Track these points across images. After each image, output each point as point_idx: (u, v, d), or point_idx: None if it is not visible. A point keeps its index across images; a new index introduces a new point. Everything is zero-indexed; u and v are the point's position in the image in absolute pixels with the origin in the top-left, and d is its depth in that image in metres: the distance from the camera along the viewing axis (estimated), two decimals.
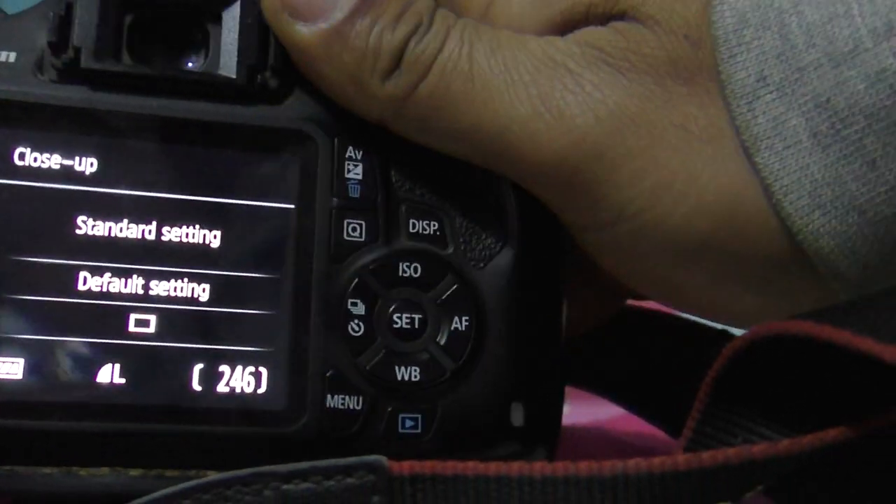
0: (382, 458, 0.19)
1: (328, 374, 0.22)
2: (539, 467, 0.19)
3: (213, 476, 0.19)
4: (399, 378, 0.23)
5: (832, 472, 0.19)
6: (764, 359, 0.19)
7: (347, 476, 0.19)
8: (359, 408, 0.22)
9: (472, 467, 0.19)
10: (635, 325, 0.35)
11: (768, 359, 0.19)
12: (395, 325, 0.23)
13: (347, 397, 0.22)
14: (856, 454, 0.19)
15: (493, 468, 0.19)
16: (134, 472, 0.21)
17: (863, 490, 0.20)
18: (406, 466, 0.19)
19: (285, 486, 0.19)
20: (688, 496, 0.18)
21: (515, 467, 0.19)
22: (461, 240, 0.24)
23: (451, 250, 0.24)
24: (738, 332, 0.26)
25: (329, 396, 0.22)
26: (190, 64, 0.24)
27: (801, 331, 0.18)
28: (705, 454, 0.18)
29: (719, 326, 0.32)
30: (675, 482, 0.18)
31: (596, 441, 0.39)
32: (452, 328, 0.23)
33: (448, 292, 0.24)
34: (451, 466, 0.19)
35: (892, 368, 0.16)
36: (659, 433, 0.35)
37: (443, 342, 0.23)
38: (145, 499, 0.19)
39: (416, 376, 0.23)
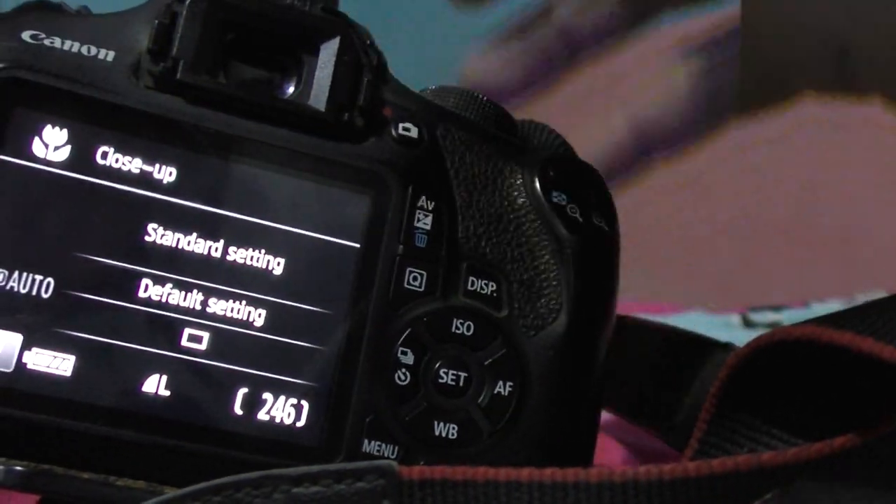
0: (393, 463, 0.19)
1: (368, 419, 0.22)
2: (550, 473, 0.19)
3: (223, 479, 0.19)
4: (436, 433, 0.23)
5: (839, 479, 0.19)
6: (769, 367, 0.20)
7: (357, 480, 0.19)
8: (393, 456, 0.22)
9: (482, 472, 0.19)
10: (630, 336, 0.36)
11: (773, 367, 0.20)
12: (440, 380, 0.23)
13: (384, 444, 0.23)
14: (863, 460, 0.19)
15: (503, 473, 0.19)
16: (168, 490, 0.21)
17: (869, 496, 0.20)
18: (416, 471, 0.19)
19: (295, 489, 0.19)
20: (697, 503, 0.18)
21: (526, 473, 0.19)
22: (516, 305, 0.24)
23: (504, 314, 0.24)
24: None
25: (366, 441, 0.22)
26: (281, 90, 0.24)
27: (803, 335, 0.18)
28: (715, 461, 0.18)
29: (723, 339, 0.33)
30: (685, 489, 0.18)
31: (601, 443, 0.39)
32: (495, 392, 0.23)
33: (496, 356, 0.24)
34: (461, 471, 0.19)
35: (892, 368, 0.16)
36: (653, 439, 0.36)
37: (484, 404, 0.23)
38: (156, 500, 0.19)
39: (453, 434, 0.23)
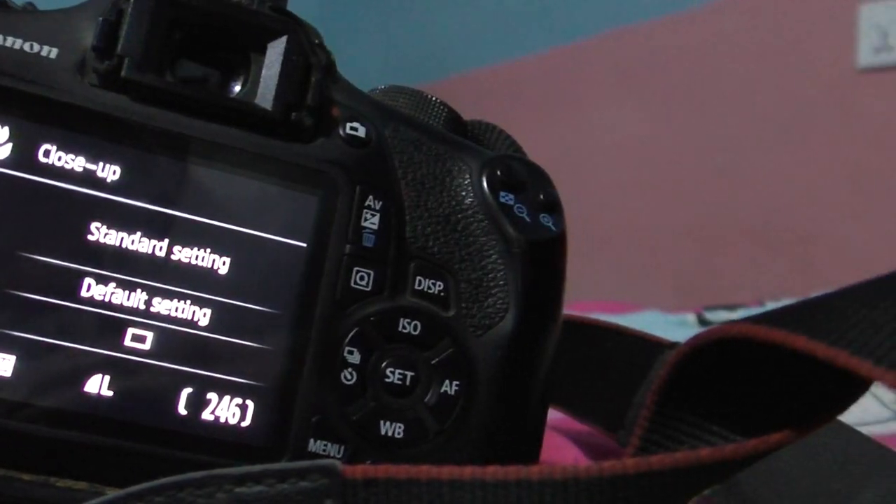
0: (336, 462, 0.19)
1: (315, 419, 0.22)
2: (492, 471, 0.19)
3: (165, 479, 0.19)
4: (382, 433, 0.23)
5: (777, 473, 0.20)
6: (709, 365, 0.20)
7: (301, 479, 0.19)
8: (339, 456, 0.22)
9: (425, 471, 0.19)
10: (582, 336, 0.36)
11: (713, 365, 0.20)
12: (386, 380, 0.23)
13: (330, 444, 0.23)
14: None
15: (446, 472, 0.19)
16: (110, 491, 0.21)
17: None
18: (359, 470, 0.19)
19: (238, 489, 0.19)
20: (637, 499, 0.19)
21: (468, 471, 0.19)
22: (464, 304, 0.24)
23: (452, 313, 0.24)
24: None
25: (312, 440, 0.22)
26: (229, 89, 0.24)
27: (740, 332, 0.18)
28: (654, 458, 0.19)
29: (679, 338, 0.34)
30: (624, 485, 0.19)
31: (554, 441, 0.39)
32: (442, 391, 0.24)
33: (443, 355, 0.24)
34: (404, 470, 0.19)
35: (825, 365, 0.17)
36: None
37: (431, 403, 0.23)
38: (98, 500, 0.19)
39: (399, 433, 0.23)
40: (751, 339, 0.18)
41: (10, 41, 0.22)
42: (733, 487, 0.30)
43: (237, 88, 0.24)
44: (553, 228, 0.25)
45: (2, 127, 0.22)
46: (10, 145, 0.22)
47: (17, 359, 0.21)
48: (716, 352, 0.20)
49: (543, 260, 0.25)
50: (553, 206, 0.26)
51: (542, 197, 0.25)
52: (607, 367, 0.37)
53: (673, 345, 0.33)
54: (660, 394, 0.21)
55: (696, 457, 0.19)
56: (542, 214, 0.25)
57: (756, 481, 0.30)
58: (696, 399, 0.21)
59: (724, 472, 0.19)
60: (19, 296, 0.21)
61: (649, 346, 0.34)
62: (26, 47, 0.22)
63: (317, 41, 0.24)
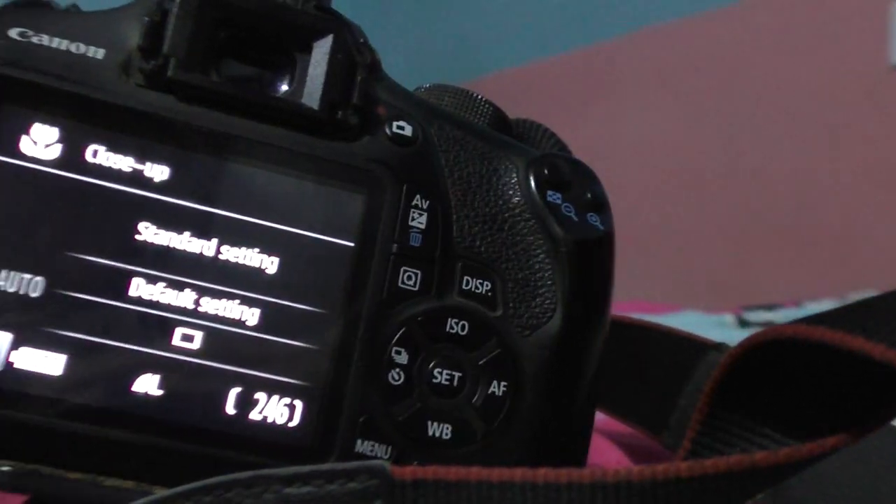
0: (385, 463, 0.19)
1: (361, 419, 0.22)
2: (543, 473, 0.19)
3: (213, 478, 0.19)
4: (430, 434, 0.23)
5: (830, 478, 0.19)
6: (761, 367, 0.20)
7: (349, 480, 0.19)
8: (386, 457, 0.22)
9: (475, 473, 0.19)
10: (625, 336, 0.36)
11: (766, 367, 0.20)
12: (434, 380, 0.23)
13: (377, 445, 0.22)
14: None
15: (496, 473, 0.19)
16: (157, 490, 0.21)
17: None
18: (408, 472, 0.19)
19: (286, 490, 0.19)
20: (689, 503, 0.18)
21: (519, 473, 0.19)
22: (511, 304, 0.24)
23: (499, 313, 0.24)
24: None
25: (359, 441, 0.22)
26: (274, 88, 0.24)
27: (795, 333, 0.18)
28: (708, 462, 0.18)
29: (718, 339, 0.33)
30: (677, 489, 0.18)
31: (596, 443, 0.39)
32: (490, 392, 0.23)
33: (490, 355, 0.24)
34: (453, 472, 0.19)
35: (883, 367, 0.16)
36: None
37: (478, 404, 0.23)
38: (146, 500, 0.19)
39: (447, 434, 0.23)
40: (806, 340, 0.18)
41: (56, 42, 0.22)
42: (781, 491, 0.30)
43: (283, 88, 0.24)
44: (600, 227, 0.25)
45: (51, 128, 0.22)
46: (59, 146, 0.22)
47: (67, 358, 0.21)
48: (769, 353, 0.19)
49: (591, 259, 0.25)
50: (600, 205, 0.25)
51: (589, 196, 0.25)
52: (649, 367, 0.36)
53: (717, 346, 0.33)
54: (711, 396, 0.20)
55: (750, 461, 0.18)
56: (589, 213, 0.25)
57: (804, 485, 0.30)
58: (749, 402, 0.20)
59: (778, 476, 0.19)
60: (69, 295, 0.21)
61: (693, 347, 0.34)
62: (73, 48, 0.22)
63: (362, 40, 0.24)
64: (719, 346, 0.33)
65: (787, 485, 0.29)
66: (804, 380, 0.20)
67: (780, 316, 0.67)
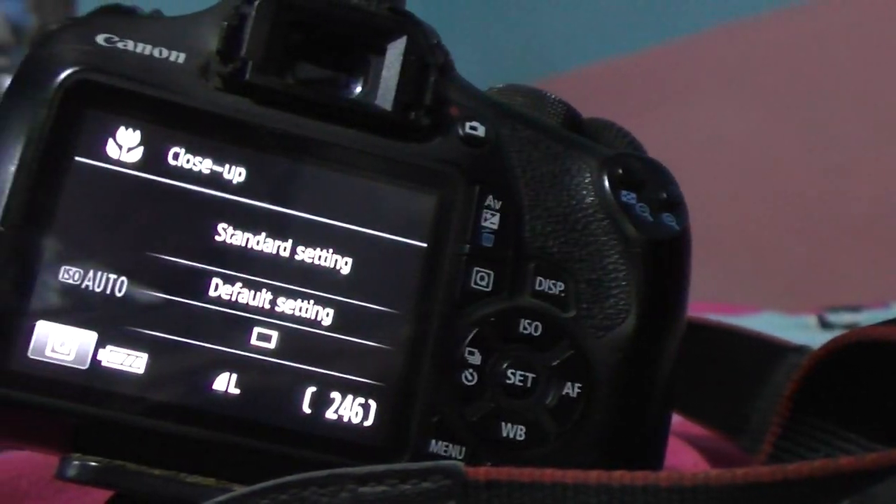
0: (459, 463, 0.19)
1: (435, 419, 0.22)
2: (619, 476, 0.18)
3: (290, 477, 0.19)
4: (504, 434, 0.23)
5: None
6: (846, 369, 0.19)
7: (423, 480, 0.19)
8: (459, 457, 0.22)
9: (549, 474, 0.19)
10: (703, 338, 0.35)
11: (851, 369, 0.19)
12: (507, 381, 0.23)
13: (450, 445, 0.22)
14: None
15: (570, 475, 0.19)
16: (237, 487, 0.21)
17: None
18: (482, 472, 0.19)
19: (361, 489, 0.19)
20: None
21: (594, 475, 0.18)
22: (584, 305, 0.24)
23: (572, 314, 0.24)
24: None
25: (433, 441, 0.22)
26: (348, 90, 0.24)
27: (883, 336, 0.17)
28: (791, 466, 0.18)
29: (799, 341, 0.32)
30: (759, 494, 0.18)
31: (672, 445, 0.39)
32: (563, 393, 0.23)
33: (563, 357, 0.23)
34: (528, 473, 0.19)
35: None
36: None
37: (551, 406, 0.23)
38: (223, 497, 0.20)
39: (520, 436, 0.23)
40: (893, 342, 0.17)
41: (140, 47, 0.23)
42: (867, 499, 0.29)
43: (356, 90, 0.24)
44: (675, 227, 0.25)
45: (134, 131, 0.22)
46: (141, 149, 0.22)
47: (148, 356, 0.22)
48: (853, 356, 0.19)
49: (665, 260, 0.24)
50: (675, 205, 0.25)
51: (664, 195, 0.25)
52: (726, 369, 0.36)
53: (798, 348, 0.32)
54: (793, 399, 0.20)
55: (835, 466, 0.18)
56: (664, 213, 0.25)
57: (890, 492, 0.29)
58: (833, 405, 0.20)
59: (864, 482, 0.18)
60: (151, 295, 0.22)
61: (772, 349, 0.33)
62: (155, 53, 0.23)
63: (435, 41, 0.24)
64: (801, 349, 0.32)
65: (874, 492, 0.28)
66: (891, 383, 0.20)
67: (865, 317, 0.65)
